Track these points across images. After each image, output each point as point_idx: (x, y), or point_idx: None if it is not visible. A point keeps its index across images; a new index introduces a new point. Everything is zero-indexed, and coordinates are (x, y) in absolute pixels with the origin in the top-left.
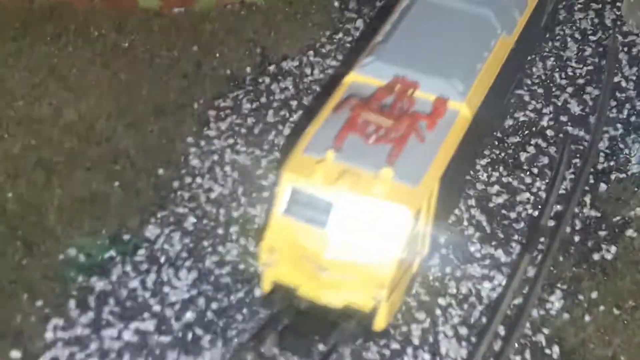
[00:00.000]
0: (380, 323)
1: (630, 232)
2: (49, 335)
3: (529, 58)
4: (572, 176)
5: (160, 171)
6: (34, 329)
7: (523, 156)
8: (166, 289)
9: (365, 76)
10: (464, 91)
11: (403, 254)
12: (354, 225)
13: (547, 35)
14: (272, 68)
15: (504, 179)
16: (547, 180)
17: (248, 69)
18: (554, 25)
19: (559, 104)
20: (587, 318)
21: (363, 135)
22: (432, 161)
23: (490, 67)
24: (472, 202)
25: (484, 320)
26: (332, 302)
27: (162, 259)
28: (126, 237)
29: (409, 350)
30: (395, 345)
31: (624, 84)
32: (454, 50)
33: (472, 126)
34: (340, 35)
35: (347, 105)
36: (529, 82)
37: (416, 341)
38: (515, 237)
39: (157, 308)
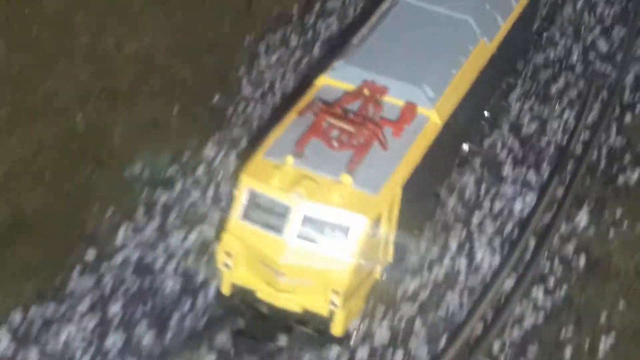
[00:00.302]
0: (337, 328)
1: None
2: (120, 238)
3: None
4: (599, 107)
5: (216, 98)
6: (107, 233)
7: (553, 88)
8: (223, 202)
9: (335, 80)
10: (434, 97)
11: (360, 261)
12: (311, 231)
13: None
14: (317, 7)
15: (536, 109)
16: (576, 110)
17: (295, 8)
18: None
19: (588, 42)
20: (611, 234)
21: (326, 141)
22: (394, 169)
23: (467, 73)
24: (505, 129)
25: (516, 233)
26: (290, 306)
27: (219, 176)
28: (187, 156)
29: (447, 256)
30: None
31: None
32: (428, 55)
33: (442, 134)
34: None
35: (312, 109)
36: (559, 22)
37: (454, 248)
38: (546, 161)
39: (215, 216)
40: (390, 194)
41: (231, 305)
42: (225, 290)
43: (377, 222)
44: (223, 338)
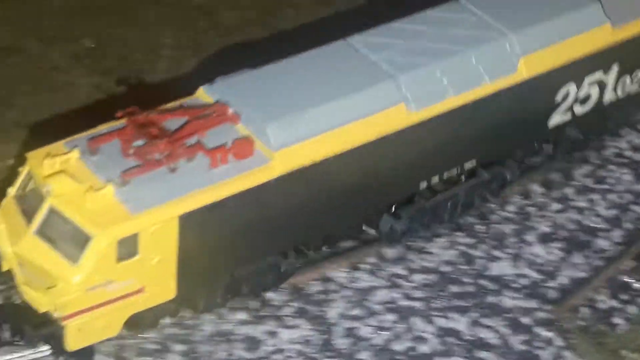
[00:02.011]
0: (70, 343)
1: None
2: None
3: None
4: None
5: None
6: None
7: None
8: None
9: (207, 94)
10: (285, 142)
11: (93, 281)
12: (52, 230)
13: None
14: None
15: None
16: None
17: None
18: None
19: None
20: None
21: (124, 146)
22: (176, 197)
23: (359, 129)
24: None
25: None
26: (33, 303)
27: None
28: None
29: None
30: None
31: None
32: (318, 96)
33: (282, 184)
34: None
35: (130, 112)
36: None
37: None
38: None
39: None
40: (156, 219)
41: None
42: (4, 267)
43: (129, 243)
44: None
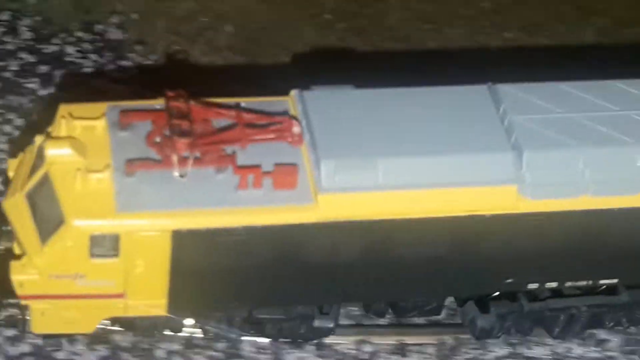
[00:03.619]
0: (34, 325)
1: None
2: None
3: None
4: None
5: None
6: None
7: None
8: None
9: (296, 101)
10: (339, 186)
11: (57, 269)
12: (42, 203)
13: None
14: None
15: None
16: None
17: None
18: None
19: None
20: None
21: (156, 132)
22: (178, 208)
23: (441, 198)
24: None
25: None
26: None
27: None
28: None
29: None
30: None
31: None
32: (410, 144)
33: (324, 232)
34: None
35: (184, 98)
36: None
37: None
38: None
39: None
40: (143, 227)
41: None
42: None
43: (107, 242)
44: None
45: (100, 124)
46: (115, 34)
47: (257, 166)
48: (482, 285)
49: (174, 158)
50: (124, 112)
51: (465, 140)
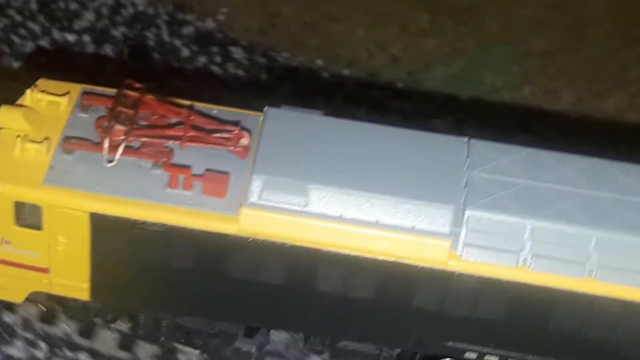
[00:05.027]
0: None
1: None
2: None
3: None
4: None
5: None
6: None
7: None
8: None
9: (266, 117)
10: (264, 203)
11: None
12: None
13: None
14: None
15: None
16: None
17: None
18: None
19: None
20: None
21: (105, 118)
22: (100, 192)
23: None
24: None
25: None
26: None
27: None
28: None
29: None
30: None
31: None
32: (351, 179)
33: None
34: None
35: (140, 90)
36: None
37: None
38: None
39: None
40: (62, 203)
41: None
42: None
43: (30, 212)
44: None
45: (64, 102)
46: None
47: (188, 167)
48: (412, 342)
49: (105, 143)
50: (86, 94)
51: (414, 187)
